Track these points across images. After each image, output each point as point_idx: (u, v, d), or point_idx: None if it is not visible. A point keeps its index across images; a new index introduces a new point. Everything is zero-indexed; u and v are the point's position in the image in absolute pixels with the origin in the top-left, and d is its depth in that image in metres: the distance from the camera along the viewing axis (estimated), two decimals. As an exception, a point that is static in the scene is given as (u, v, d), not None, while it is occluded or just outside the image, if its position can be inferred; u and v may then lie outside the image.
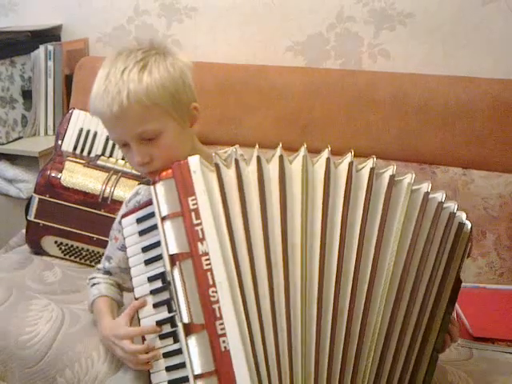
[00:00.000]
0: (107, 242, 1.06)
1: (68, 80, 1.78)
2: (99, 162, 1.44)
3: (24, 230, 1.44)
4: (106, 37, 1.86)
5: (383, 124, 1.44)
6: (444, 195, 0.84)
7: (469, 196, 1.37)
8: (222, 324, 0.76)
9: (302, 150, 0.81)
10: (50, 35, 1.85)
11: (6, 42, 1.72)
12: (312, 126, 1.49)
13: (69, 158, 1.43)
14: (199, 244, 0.77)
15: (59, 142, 1.51)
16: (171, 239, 0.79)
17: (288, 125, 1.50)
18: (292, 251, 0.78)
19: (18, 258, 1.40)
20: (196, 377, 0.77)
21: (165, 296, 0.82)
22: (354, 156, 0.82)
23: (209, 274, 0.77)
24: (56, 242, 1.41)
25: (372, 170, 0.81)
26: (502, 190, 1.36)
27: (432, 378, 0.86)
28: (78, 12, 1.86)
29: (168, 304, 0.82)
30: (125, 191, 1.36)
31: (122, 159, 1.46)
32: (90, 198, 1.37)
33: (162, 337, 0.82)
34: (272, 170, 0.80)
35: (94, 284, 1.02)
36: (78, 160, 1.43)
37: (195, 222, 0.78)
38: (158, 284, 0.83)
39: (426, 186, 0.84)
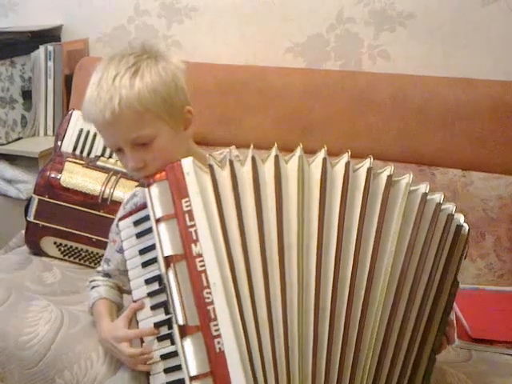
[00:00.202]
0: (106, 243, 1.06)
1: (68, 80, 1.78)
2: (99, 163, 1.44)
3: (23, 231, 1.44)
4: (106, 37, 1.85)
5: (383, 125, 1.43)
6: (442, 196, 0.84)
7: (468, 197, 1.37)
8: (216, 325, 0.76)
9: (298, 150, 0.81)
10: (50, 35, 1.85)
11: (5, 42, 1.72)
12: (312, 127, 1.48)
13: (68, 159, 1.43)
14: (193, 245, 0.78)
15: (59, 143, 1.51)
16: (166, 241, 0.79)
17: (288, 126, 1.50)
18: (288, 251, 0.78)
19: (17, 258, 1.40)
20: (192, 378, 0.77)
21: (162, 298, 0.82)
22: (353, 157, 0.82)
23: (203, 275, 0.77)
24: (55, 243, 1.41)
25: (369, 170, 0.81)
26: (501, 191, 1.36)
27: (430, 381, 0.86)
28: (78, 12, 1.86)
29: (165, 306, 0.82)
30: (124, 192, 1.36)
31: (122, 160, 1.46)
32: (89, 198, 1.37)
33: (160, 339, 0.82)
34: (267, 170, 0.80)
35: (94, 287, 1.02)
36: (77, 161, 1.43)
37: (189, 223, 0.78)
38: (155, 286, 0.83)
39: (424, 187, 0.84)
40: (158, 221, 0.80)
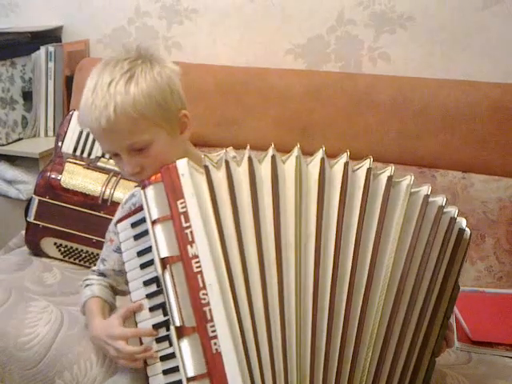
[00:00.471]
0: (105, 243, 1.06)
1: (68, 81, 1.78)
2: (99, 164, 1.44)
3: (23, 232, 1.44)
4: (106, 38, 1.86)
5: (383, 127, 1.44)
6: (445, 199, 0.84)
7: (468, 200, 1.37)
8: (213, 326, 0.76)
9: (296, 150, 0.81)
10: (50, 36, 1.85)
11: (6, 43, 1.72)
12: (312, 129, 1.49)
13: (69, 160, 1.44)
14: (189, 247, 0.78)
15: (59, 144, 1.51)
16: (162, 243, 0.79)
17: (288, 127, 1.50)
18: (286, 251, 0.78)
19: (17, 259, 1.40)
20: (189, 379, 0.77)
21: (160, 300, 0.82)
22: (353, 158, 0.82)
23: (199, 276, 0.77)
24: (55, 244, 1.41)
25: (369, 170, 0.81)
26: (501, 193, 1.36)
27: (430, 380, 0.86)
28: (79, 13, 1.87)
29: (163, 308, 0.82)
30: (125, 193, 1.36)
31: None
32: (89, 199, 1.37)
33: (158, 340, 0.82)
34: (264, 171, 0.80)
35: (88, 285, 1.01)
36: (78, 161, 1.43)
37: (184, 225, 0.78)
38: (154, 288, 0.83)
39: (425, 189, 0.83)
40: (153, 222, 0.80)
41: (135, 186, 1.03)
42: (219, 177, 0.79)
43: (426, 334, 0.83)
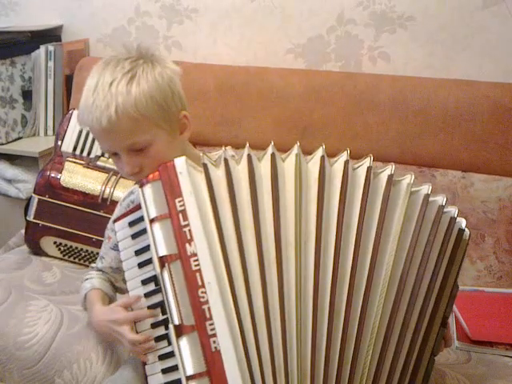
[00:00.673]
0: (105, 242, 1.07)
1: (68, 80, 1.78)
2: (99, 163, 1.44)
3: (23, 231, 1.44)
4: (106, 37, 1.86)
5: (383, 127, 1.44)
6: (445, 199, 0.84)
7: (468, 199, 1.37)
8: (212, 324, 0.76)
9: (295, 148, 0.80)
10: (50, 35, 1.85)
11: (6, 42, 1.72)
12: (312, 128, 1.49)
13: (68, 159, 1.43)
14: (187, 245, 0.78)
15: (59, 143, 1.51)
16: (160, 241, 0.79)
17: (288, 127, 1.50)
18: (286, 249, 0.78)
19: (16, 258, 1.40)
20: (188, 378, 0.77)
21: (158, 298, 0.82)
22: (353, 158, 0.82)
23: (198, 274, 0.77)
24: (55, 243, 1.41)
25: (369, 168, 0.81)
26: (501, 193, 1.36)
27: (429, 382, 0.86)
28: (79, 12, 1.87)
29: (162, 306, 0.82)
30: (124, 192, 1.35)
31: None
32: (89, 198, 1.37)
33: (158, 339, 0.82)
34: (264, 168, 0.80)
35: (87, 279, 1.02)
36: (77, 161, 1.43)
37: (183, 223, 0.78)
38: (152, 287, 0.83)
39: (426, 188, 0.83)
40: (151, 221, 0.80)
41: (134, 184, 1.03)
42: (218, 175, 0.79)
43: (426, 333, 0.83)
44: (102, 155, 1.49)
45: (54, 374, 1.05)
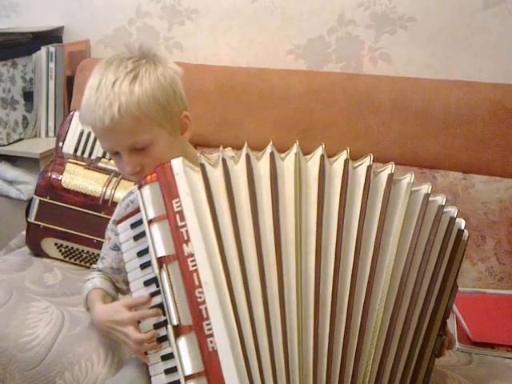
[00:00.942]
0: (107, 244, 1.07)
1: (69, 82, 1.79)
2: (100, 164, 1.44)
3: (24, 232, 1.44)
4: (107, 38, 1.86)
5: (383, 128, 1.44)
6: (445, 199, 0.84)
7: (469, 200, 1.37)
8: (209, 324, 0.76)
9: (295, 147, 0.80)
10: (51, 37, 1.85)
11: (7, 43, 1.72)
12: (312, 129, 1.49)
13: (70, 160, 1.44)
14: (184, 246, 0.78)
15: (60, 144, 1.51)
16: (158, 242, 0.80)
17: (288, 128, 1.50)
18: (286, 248, 0.77)
19: (17, 259, 1.40)
20: (187, 378, 0.77)
21: (160, 299, 0.82)
22: (353, 159, 0.82)
23: (195, 274, 0.77)
24: (56, 244, 1.41)
25: (369, 167, 0.81)
26: (502, 194, 1.36)
27: (429, 380, 0.86)
28: (80, 14, 1.87)
29: (163, 307, 0.82)
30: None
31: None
32: (90, 200, 1.37)
33: (160, 340, 0.82)
34: (262, 168, 0.80)
35: (89, 279, 1.02)
36: (78, 162, 1.43)
37: (180, 223, 0.78)
38: (154, 288, 0.83)
39: (426, 188, 0.84)
40: (150, 222, 0.80)
41: (134, 184, 1.04)
42: (216, 175, 0.79)
43: (427, 332, 0.83)
44: (103, 156, 1.50)
45: (56, 375, 1.05)
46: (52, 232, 1.40)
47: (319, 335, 0.77)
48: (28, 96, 1.80)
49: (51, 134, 1.83)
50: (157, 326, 0.83)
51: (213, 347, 0.76)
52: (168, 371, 0.81)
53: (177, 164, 0.80)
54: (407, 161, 1.42)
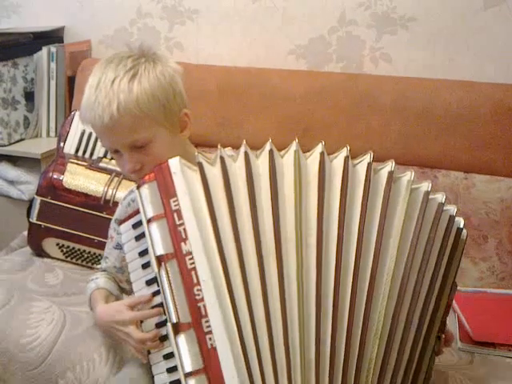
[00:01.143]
0: (109, 244, 1.07)
1: (70, 82, 1.79)
2: (101, 164, 1.44)
3: (26, 232, 1.44)
4: (108, 39, 1.86)
5: (384, 128, 1.44)
6: (444, 197, 0.84)
7: (470, 200, 1.37)
8: (207, 321, 0.76)
9: (294, 145, 0.80)
10: (52, 37, 1.85)
11: (8, 43, 1.72)
12: (313, 129, 1.49)
13: (71, 160, 1.44)
14: (182, 244, 0.78)
15: (61, 144, 1.52)
16: (157, 241, 0.80)
17: (289, 128, 1.50)
18: (285, 245, 0.77)
19: (19, 259, 1.40)
20: (186, 375, 0.77)
21: (161, 298, 0.82)
22: (354, 158, 0.82)
23: (193, 272, 0.77)
24: (58, 244, 1.41)
25: (369, 164, 0.80)
26: (503, 194, 1.36)
27: (430, 378, 0.86)
28: (81, 14, 1.87)
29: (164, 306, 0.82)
30: (126, 193, 1.36)
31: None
32: (91, 200, 1.37)
33: (162, 339, 0.82)
34: (261, 165, 0.80)
35: (92, 279, 1.02)
36: (80, 162, 1.43)
37: (178, 222, 0.78)
38: (155, 287, 0.83)
39: (426, 186, 0.84)
40: (149, 221, 0.81)
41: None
42: (214, 173, 0.79)
43: (428, 330, 0.83)
44: (105, 156, 1.50)
45: (57, 375, 1.05)
46: (53, 232, 1.40)
47: (321, 333, 0.77)
48: (29, 96, 1.80)
49: (52, 134, 1.83)
50: (159, 325, 0.83)
51: (212, 344, 0.76)
52: (170, 370, 0.81)
53: (174, 163, 0.80)
54: (408, 161, 1.42)
